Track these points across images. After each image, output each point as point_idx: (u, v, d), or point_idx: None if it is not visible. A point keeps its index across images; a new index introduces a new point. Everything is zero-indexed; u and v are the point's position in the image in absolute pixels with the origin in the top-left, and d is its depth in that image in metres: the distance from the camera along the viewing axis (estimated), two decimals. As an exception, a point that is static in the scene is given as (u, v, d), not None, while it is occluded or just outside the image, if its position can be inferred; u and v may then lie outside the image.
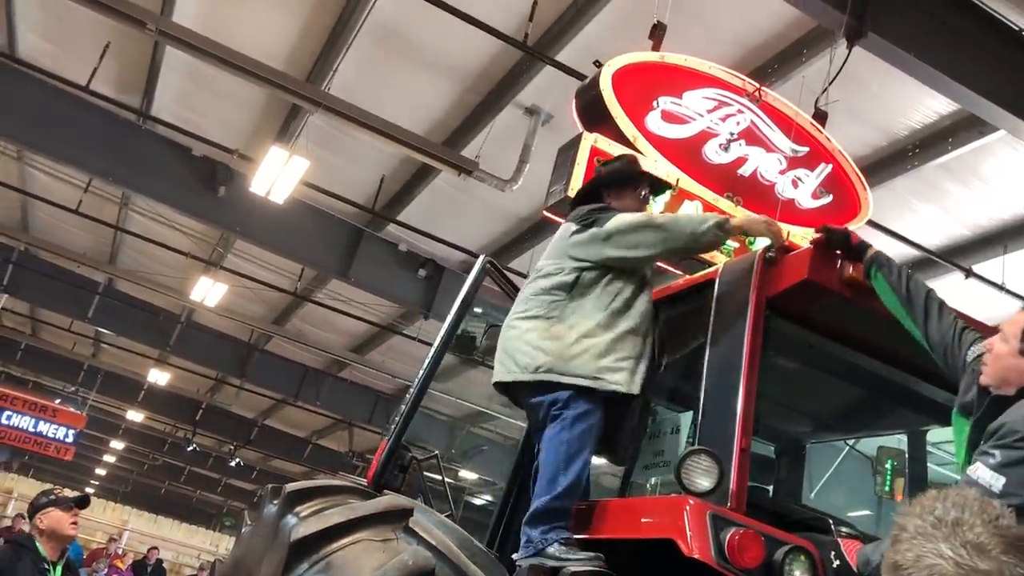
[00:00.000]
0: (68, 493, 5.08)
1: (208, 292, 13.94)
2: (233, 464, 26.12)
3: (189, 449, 25.30)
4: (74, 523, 4.79)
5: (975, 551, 1.28)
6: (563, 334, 3.36)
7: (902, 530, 1.36)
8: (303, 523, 2.76)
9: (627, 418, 3.43)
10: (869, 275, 3.09)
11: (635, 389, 3.31)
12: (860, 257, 3.14)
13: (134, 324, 17.60)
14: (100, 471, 37.19)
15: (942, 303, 3.02)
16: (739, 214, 4.90)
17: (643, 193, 3.80)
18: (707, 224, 3.34)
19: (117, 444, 30.85)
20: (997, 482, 2.43)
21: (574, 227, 3.56)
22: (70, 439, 22.99)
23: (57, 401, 23.82)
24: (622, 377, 3.30)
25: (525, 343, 3.41)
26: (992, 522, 1.31)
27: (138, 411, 24.59)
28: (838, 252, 3.17)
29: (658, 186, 4.02)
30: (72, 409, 23.66)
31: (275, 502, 2.96)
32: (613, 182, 3.77)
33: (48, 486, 7.11)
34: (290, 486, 2.98)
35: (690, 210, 4.73)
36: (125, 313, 17.38)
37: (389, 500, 2.93)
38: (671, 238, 3.38)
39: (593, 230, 3.48)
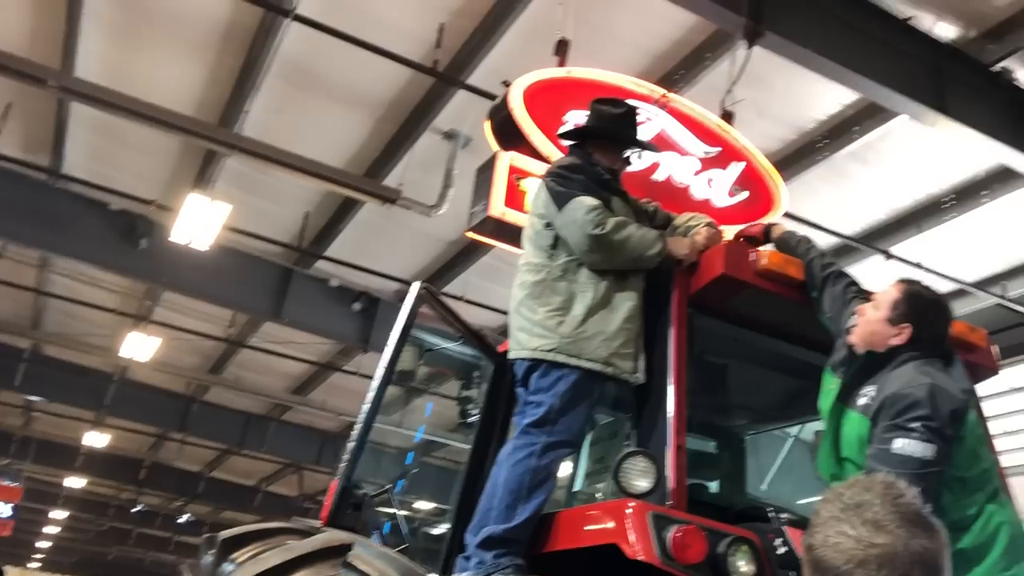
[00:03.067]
0: None
1: (140, 348, 13.63)
2: (182, 520, 25.49)
3: (135, 510, 24.60)
4: None
5: (873, 528, 1.40)
6: (562, 307, 3.27)
7: (817, 516, 1.49)
8: (239, 569, 2.71)
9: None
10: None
11: (640, 377, 3.24)
12: (768, 239, 3.37)
13: (65, 388, 17.06)
14: (43, 543, 35.89)
15: (837, 274, 3.22)
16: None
17: (628, 155, 3.76)
18: (651, 252, 3.30)
19: (59, 514, 29.81)
20: (928, 451, 2.60)
21: (545, 181, 3.52)
22: (7, 514, 22.19)
23: (-10, 476, 22.98)
24: (631, 364, 3.23)
25: (524, 318, 3.34)
26: (892, 501, 1.43)
27: (78, 477, 23.81)
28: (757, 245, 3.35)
29: (646, 148, 4.06)
30: (7, 482, 22.82)
31: (211, 552, 2.90)
32: (601, 136, 3.70)
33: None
34: (224, 533, 2.92)
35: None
36: (55, 378, 16.84)
37: (326, 536, 2.90)
38: (612, 260, 3.31)
39: (557, 194, 3.40)
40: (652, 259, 3.32)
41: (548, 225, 3.44)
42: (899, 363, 2.83)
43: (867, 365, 2.90)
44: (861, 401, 2.84)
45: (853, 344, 2.95)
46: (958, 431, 2.70)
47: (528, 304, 3.35)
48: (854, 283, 3.20)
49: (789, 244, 3.34)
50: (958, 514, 2.71)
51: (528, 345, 3.30)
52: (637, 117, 3.88)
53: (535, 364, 3.29)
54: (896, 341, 2.87)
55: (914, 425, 2.62)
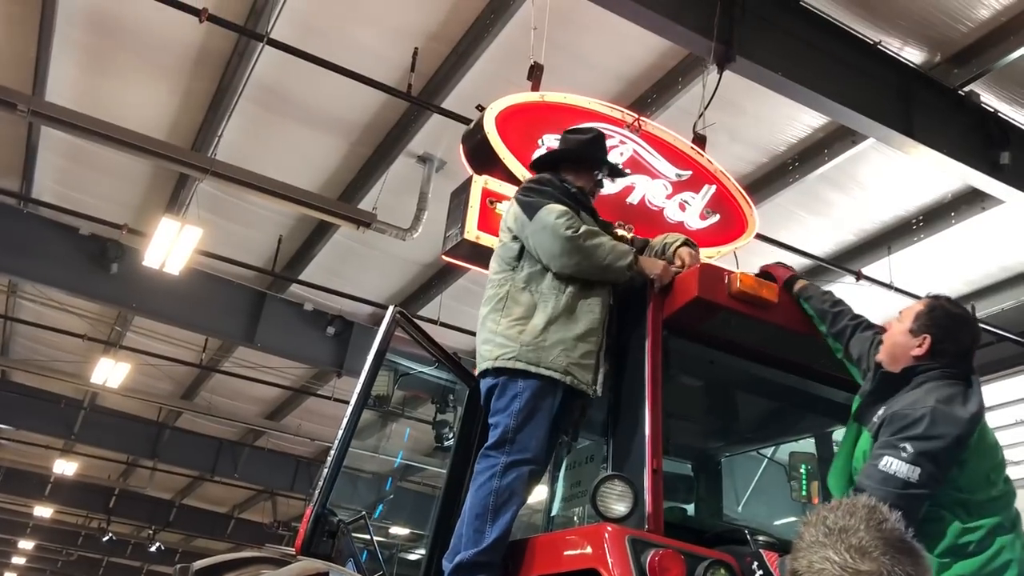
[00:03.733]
0: None
1: (110, 374, 13.48)
2: (153, 549, 25.03)
3: (105, 539, 24.15)
4: None
5: (858, 554, 1.41)
6: (524, 316, 3.31)
7: (800, 539, 1.50)
8: (216, 600, 2.67)
9: (578, 412, 3.41)
10: (799, 304, 3.35)
11: (599, 391, 3.28)
12: (788, 291, 3.38)
13: (34, 415, 16.81)
14: (10, 575, 35.15)
15: (865, 323, 3.23)
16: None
17: (599, 176, 3.81)
18: (622, 263, 3.33)
19: (26, 544, 29.22)
20: (913, 473, 2.58)
21: (515, 196, 3.59)
22: (-27, 545, 21.68)
23: (-44, 506, 22.50)
24: (590, 376, 3.26)
25: (487, 330, 3.38)
26: (876, 527, 1.44)
27: (46, 506, 23.38)
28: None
29: (615, 171, 4.07)
30: (-27, 513, 22.37)
31: (185, 582, 2.86)
32: (571, 158, 3.76)
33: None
34: (198, 564, 2.88)
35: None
36: (23, 405, 16.58)
37: (302, 565, 2.87)
38: (583, 265, 3.33)
39: (527, 204, 3.45)
40: (621, 271, 3.34)
41: (515, 239, 3.49)
42: (915, 385, 2.82)
43: (884, 385, 2.89)
44: (873, 420, 2.83)
45: (880, 361, 2.95)
46: (958, 456, 2.66)
47: (492, 317, 3.39)
48: (880, 332, 3.23)
49: (812, 295, 3.35)
50: (959, 538, 2.66)
51: (490, 356, 3.33)
52: (606, 142, 3.93)
53: (494, 384, 3.31)
54: (917, 352, 2.87)
55: (904, 445, 2.62)
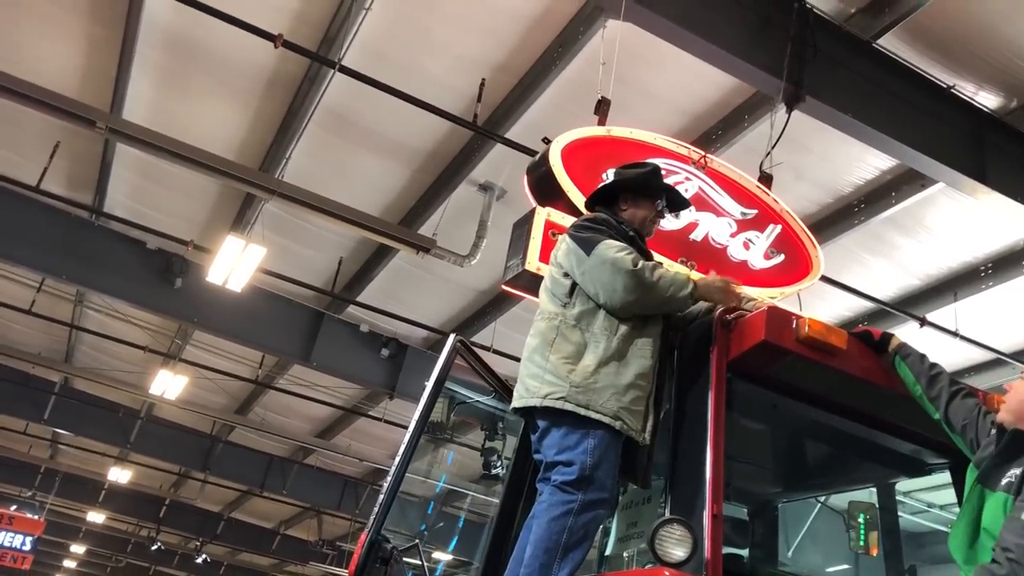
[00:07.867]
0: None
1: (168, 385, 13.76)
2: (200, 561, 25.33)
3: (154, 548, 24.53)
4: None
5: None
6: (574, 354, 3.23)
7: None
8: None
9: (645, 458, 3.30)
10: (894, 364, 3.27)
11: (647, 439, 3.20)
12: (884, 349, 3.29)
13: (93, 423, 17.21)
14: (60, 578, 35.85)
15: (966, 390, 3.17)
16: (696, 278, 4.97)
17: (660, 206, 3.72)
18: (684, 292, 3.26)
19: (78, 548, 29.82)
20: None
21: (569, 233, 3.50)
22: (28, 547, 22.08)
23: (13, 508, 23.00)
24: (639, 423, 3.19)
25: (536, 364, 3.29)
26: None
27: (99, 512, 23.88)
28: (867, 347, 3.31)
29: (676, 202, 3.93)
30: (29, 515, 22.83)
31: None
32: (632, 188, 3.68)
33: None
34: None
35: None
36: (83, 412, 17.00)
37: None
38: (645, 299, 3.25)
39: (583, 240, 3.37)
40: (684, 300, 3.28)
41: (566, 275, 3.42)
42: None
43: (1014, 445, 2.81)
44: (1004, 481, 2.74)
45: (1003, 421, 2.87)
46: None
47: (541, 351, 3.31)
48: (981, 401, 3.16)
49: (910, 355, 3.26)
50: None
51: (538, 393, 3.24)
52: (661, 176, 3.86)
53: (554, 419, 3.22)
54: None
55: None
